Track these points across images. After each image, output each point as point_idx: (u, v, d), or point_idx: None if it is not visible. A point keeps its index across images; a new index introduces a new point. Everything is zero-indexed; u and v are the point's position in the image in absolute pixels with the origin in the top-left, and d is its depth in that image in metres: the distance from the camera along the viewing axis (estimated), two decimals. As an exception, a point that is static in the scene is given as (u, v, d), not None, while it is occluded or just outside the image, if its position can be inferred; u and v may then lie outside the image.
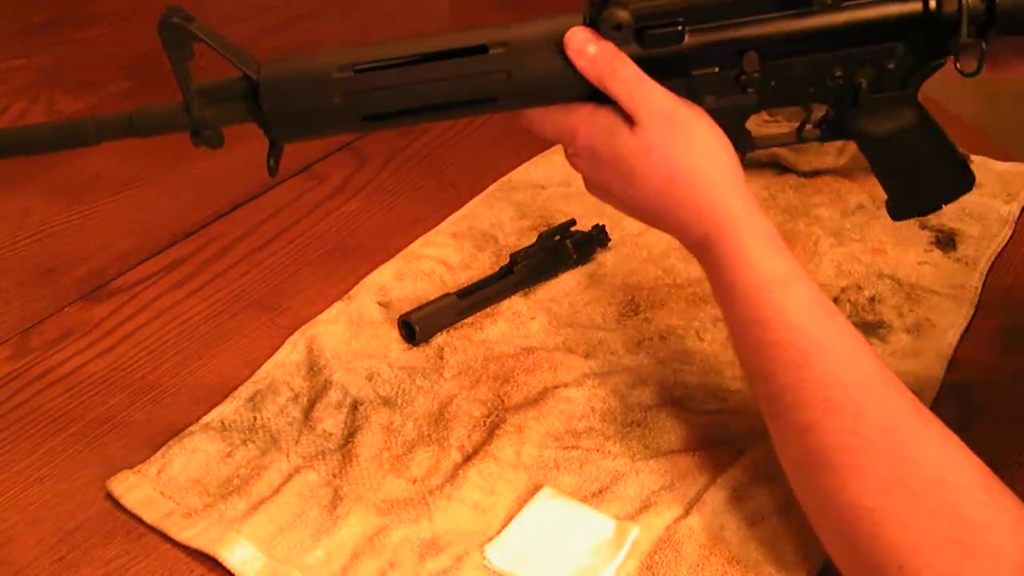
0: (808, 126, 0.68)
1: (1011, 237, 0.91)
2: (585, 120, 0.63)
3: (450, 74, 0.62)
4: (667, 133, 0.61)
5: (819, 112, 0.68)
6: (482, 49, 0.62)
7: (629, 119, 0.62)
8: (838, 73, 0.64)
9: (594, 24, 0.62)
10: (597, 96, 0.62)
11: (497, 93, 0.63)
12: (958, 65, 0.62)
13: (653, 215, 0.64)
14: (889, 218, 0.89)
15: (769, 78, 0.64)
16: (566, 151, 0.66)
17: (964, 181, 0.68)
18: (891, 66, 0.63)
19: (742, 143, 0.65)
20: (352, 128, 0.65)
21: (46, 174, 1.03)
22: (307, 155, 1.05)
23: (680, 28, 0.62)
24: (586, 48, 0.61)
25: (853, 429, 0.54)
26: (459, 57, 0.62)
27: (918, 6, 0.61)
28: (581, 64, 0.61)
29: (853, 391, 0.56)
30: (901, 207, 0.69)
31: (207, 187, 1.00)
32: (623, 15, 0.61)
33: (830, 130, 0.67)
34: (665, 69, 0.62)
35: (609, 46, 0.61)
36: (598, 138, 0.63)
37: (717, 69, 0.63)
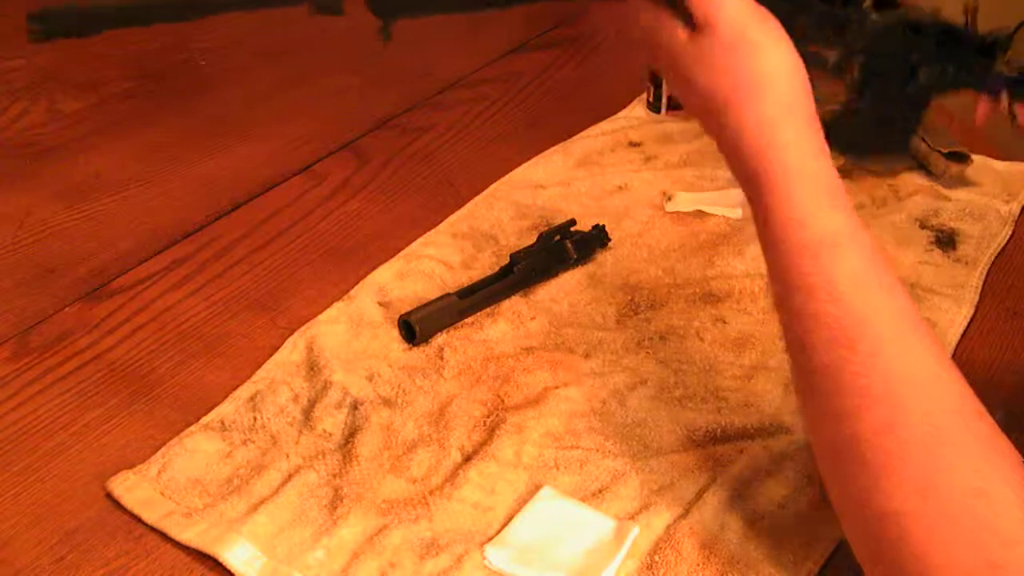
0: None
1: (1011, 237, 0.91)
2: (641, 14, 0.58)
3: None
4: (731, 50, 0.55)
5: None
6: None
7: (691, 23, 0.56)
8: (915, 58, 0.64)
9: None
10: None
11: None
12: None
13: (707, 130, 0.59)
14: (890, 219, 0.89)
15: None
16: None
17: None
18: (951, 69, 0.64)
19: None
20: (454, 4, 0.61)
21: (46, 174, 1.03)
22: (307, 155, 1.05)
23: None
24: None
25: (890, 426, 0.51)
26: None
27: None
28: None
29: (896, 382, 0.52)
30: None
31: (207, 187, 1.00)
32: None
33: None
34: None
35: None
36: (651, 37, 0.58)
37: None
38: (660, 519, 0.64)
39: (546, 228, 0.88)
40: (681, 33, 0.56)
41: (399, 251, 0.89)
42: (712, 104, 0.57)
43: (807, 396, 0.56)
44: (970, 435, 0.51)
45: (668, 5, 0.57)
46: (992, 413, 0.52)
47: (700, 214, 0.94)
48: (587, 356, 0.78)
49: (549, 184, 1.00)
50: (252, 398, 0.74)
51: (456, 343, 0.79)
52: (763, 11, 0.56)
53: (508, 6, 0.62)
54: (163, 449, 0.69)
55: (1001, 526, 0.48)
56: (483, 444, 0.70)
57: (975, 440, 0.51)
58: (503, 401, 0.73)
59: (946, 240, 0.90)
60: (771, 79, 0.55)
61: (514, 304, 0.83)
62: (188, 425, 0.71)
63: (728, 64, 0.55)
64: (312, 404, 0.73)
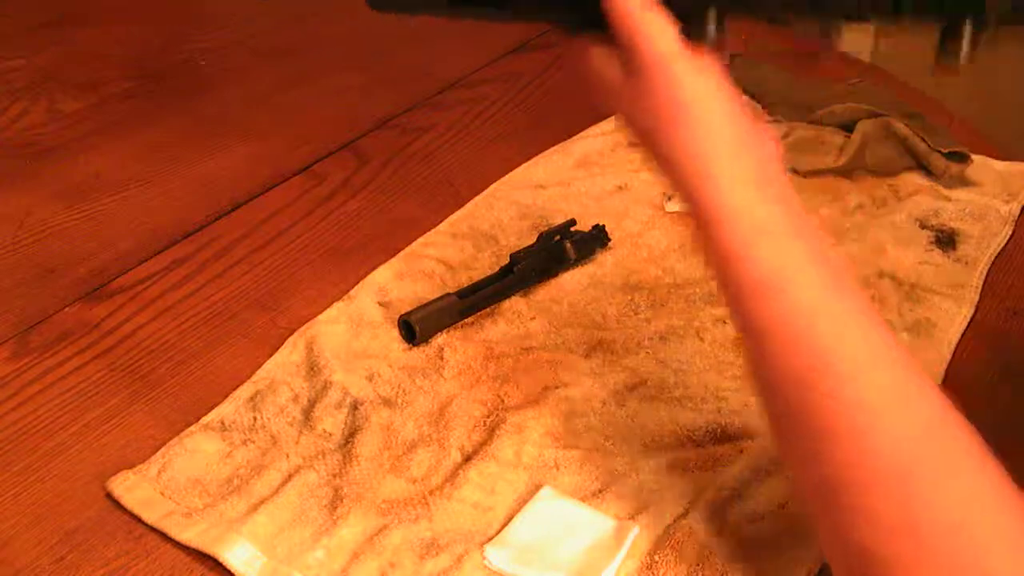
0: None
1: (1011, 237, 0.91)
2: (585, 52, 0.58)
3: None
4: (658, 84, 0.54)
5: None
6: None
7: (626, 60, 0.56)
8: None
9: None
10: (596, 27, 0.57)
11: None
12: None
13: (654, 164, 0.58)
14: (890, 219, 0.88)
15: None
16: None
17: None
18: None
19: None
20: (441, 8, 0.62)
21: (46, 174, 1.03)
22: (307, 155, 1.05)
23: None
24: None
25: (861, 463, 0.49)
26: None
27: None
28: None
29: (861, 416, 0.49)
30: None
31: (207, 187, 1.00)
32: None
33: None
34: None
35: None
36: (595, 75, 0.58)
37: None
38: (660, 519, 0.64)
39: (546, 228, 0.88)
40: (618, 69, 0.56)
41: (399, 251, 0.89)
42: (647, 137, 0.56)
43: (778, 438, 0.54)
44: (948, 461, 0.49)
45: (608, 43, 0.57)
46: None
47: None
48: (587, 356, 0.78)
49: (549, 184, 1.00)
50: (252, 398, 0.74)
51: (456, 343, 0.79)
52: (690, 46, 0.55)
53: (492, 19, 0.62)
54: (163, 449, 0.69)
55: (984, 562, 0.46)
56: (483, 444, 0.70)
57: (954, 466, 0.48)
58: (503, 401, 0.73)
59: (946, 240, 0.90)
60: (697, 111, 0.54)
61: (514, 304, 0.83)
62: (188, 425, 0.71)
63: (656, 97, 0.55)
64: (312, 404, 0.73)
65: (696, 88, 0.54)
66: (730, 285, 0.53)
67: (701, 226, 0.55)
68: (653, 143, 0.56)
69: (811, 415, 0.50)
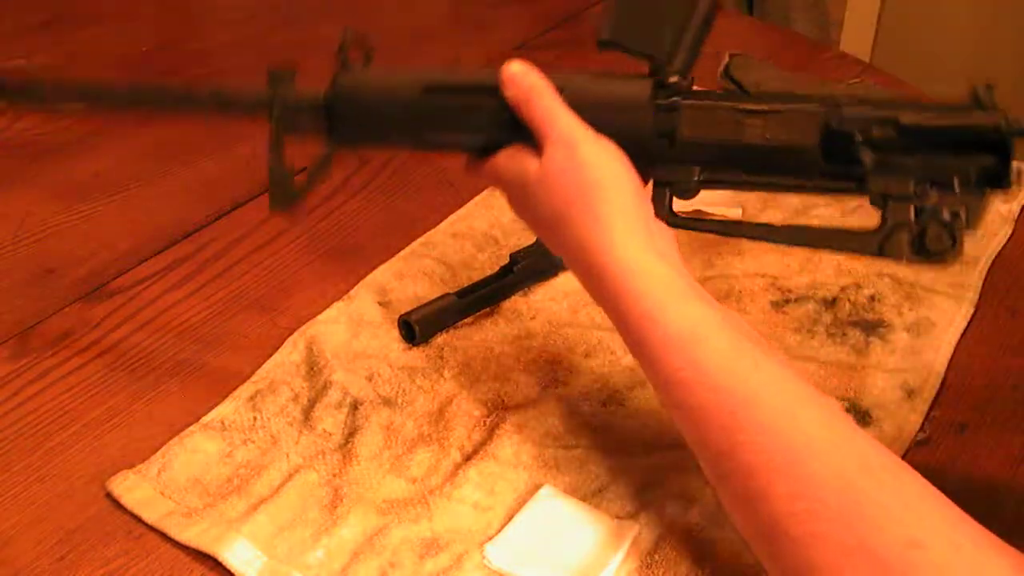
0: None
1: (1011, 236, 0.91)
2: (504, 158, 0.64)
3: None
4: (565, 160, 0.59)
5: None
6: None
7: (540, 150, 0.61)
8: None
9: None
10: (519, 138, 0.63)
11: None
12: None
13: (552, 247, 0.63)
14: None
15: None
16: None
17: None
18: None
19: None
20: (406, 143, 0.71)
21: (46, 174, 1.03)
22: (307, 155, 1.05)
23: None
24: (519, 77, 0.62)
25: (804, 493, 0.50)
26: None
27: None
28: (510, 92, 0.62)
29: (796, 451, 0.51)
30: None
31: (207, 187, 1.00)
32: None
33: None
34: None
35: (538, 78, 0.62)
36: (509, 177, 0.63)
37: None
38: (660, 517, 0.64)
39: (546, 228, 0.88)
40: (532, 164, 0.61)
41: (399, 251, 0.89)
42: (555, 219, 0.60)
43: (717, 485, 0.55)
44: (890, 489, 0.49)
45: (523, 140, 0.62)
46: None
47: (700, 214, 0.94)
48: (587, 356, 0.78)
49: (549, 184, 0.99)
50: (252, 398, 0.74)
51: (456, 343, 0.79)
52: (591, 130, 0.60)
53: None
54: (163, 449, 0.69)
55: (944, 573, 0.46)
56: (483, 444, 0.70)
57: (897, 493, 0.49)
58: (503, 401, 0.73)
59: (946, 240, 0.90)
60: (601, 186, 0.59)
61: (514, 304, 0.83)
62: (188, 425, 0.71)
63: (564, 177, 0.59)
64: (312, 404, 0.73)
65: (602, 165, 0.59)
66: (647, 344, 0.56)
67: (609, 292, 0.58)
68: (560, 223, 0.60)
69: (748, 455, 0.52)
